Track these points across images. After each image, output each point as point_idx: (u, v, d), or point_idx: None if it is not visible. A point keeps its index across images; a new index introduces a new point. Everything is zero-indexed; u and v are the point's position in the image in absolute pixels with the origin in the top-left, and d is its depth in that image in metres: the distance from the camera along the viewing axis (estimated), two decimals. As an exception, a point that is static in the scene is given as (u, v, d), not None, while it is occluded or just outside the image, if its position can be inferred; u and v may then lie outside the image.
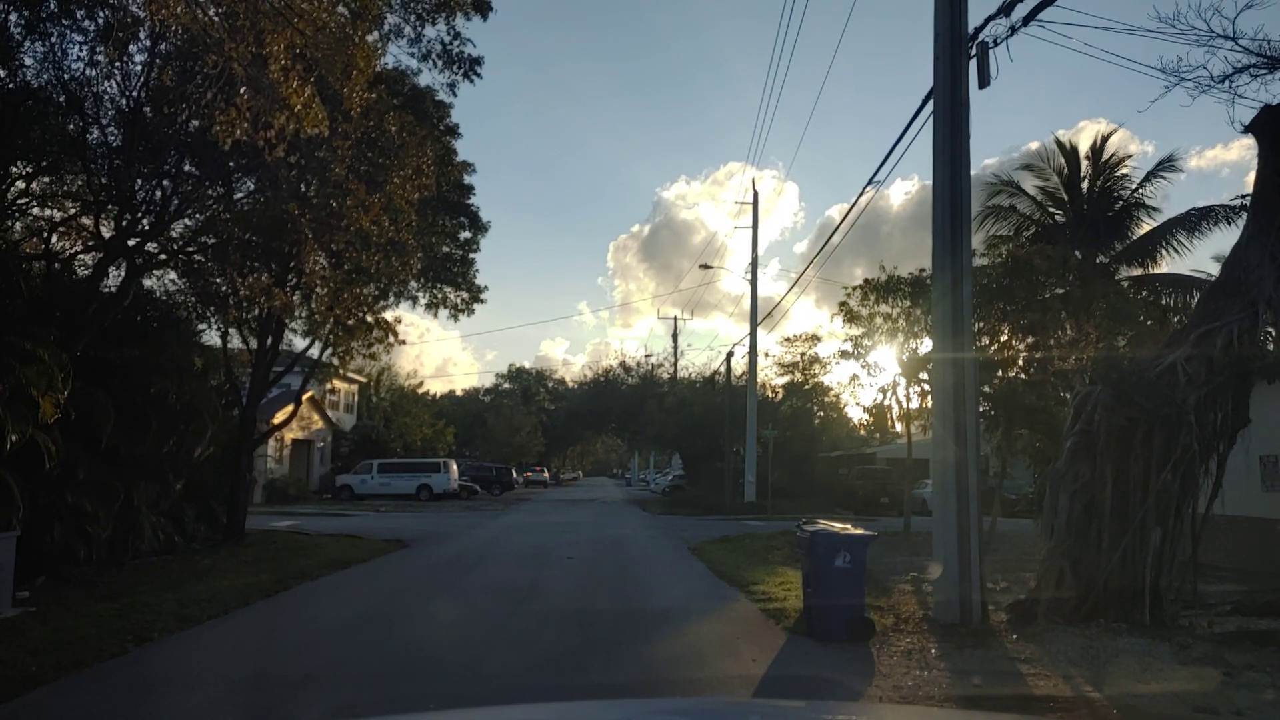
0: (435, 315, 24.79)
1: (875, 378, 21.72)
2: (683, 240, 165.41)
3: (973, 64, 9.75)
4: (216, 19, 7.75)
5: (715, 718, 3.24)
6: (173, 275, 17.01)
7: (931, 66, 9.99)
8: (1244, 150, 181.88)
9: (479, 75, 17.03)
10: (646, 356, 63.56)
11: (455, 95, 19.57)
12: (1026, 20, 9.43)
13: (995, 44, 9.61)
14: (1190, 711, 6.19)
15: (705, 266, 58.66)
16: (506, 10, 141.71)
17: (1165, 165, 23.59)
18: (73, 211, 14.61)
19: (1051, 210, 24.27)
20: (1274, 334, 11.06)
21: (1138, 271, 23.23)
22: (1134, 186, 23.74)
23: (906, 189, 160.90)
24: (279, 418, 22.65)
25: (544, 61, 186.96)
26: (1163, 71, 9.47)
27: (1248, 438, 10.08)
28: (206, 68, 8.76)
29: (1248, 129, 9.45)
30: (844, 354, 22.71)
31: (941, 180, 9.75)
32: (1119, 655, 7.71)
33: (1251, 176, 10.08)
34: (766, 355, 40.47)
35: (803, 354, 38.81)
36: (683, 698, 6.44)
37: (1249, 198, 9.75)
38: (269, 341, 18.24)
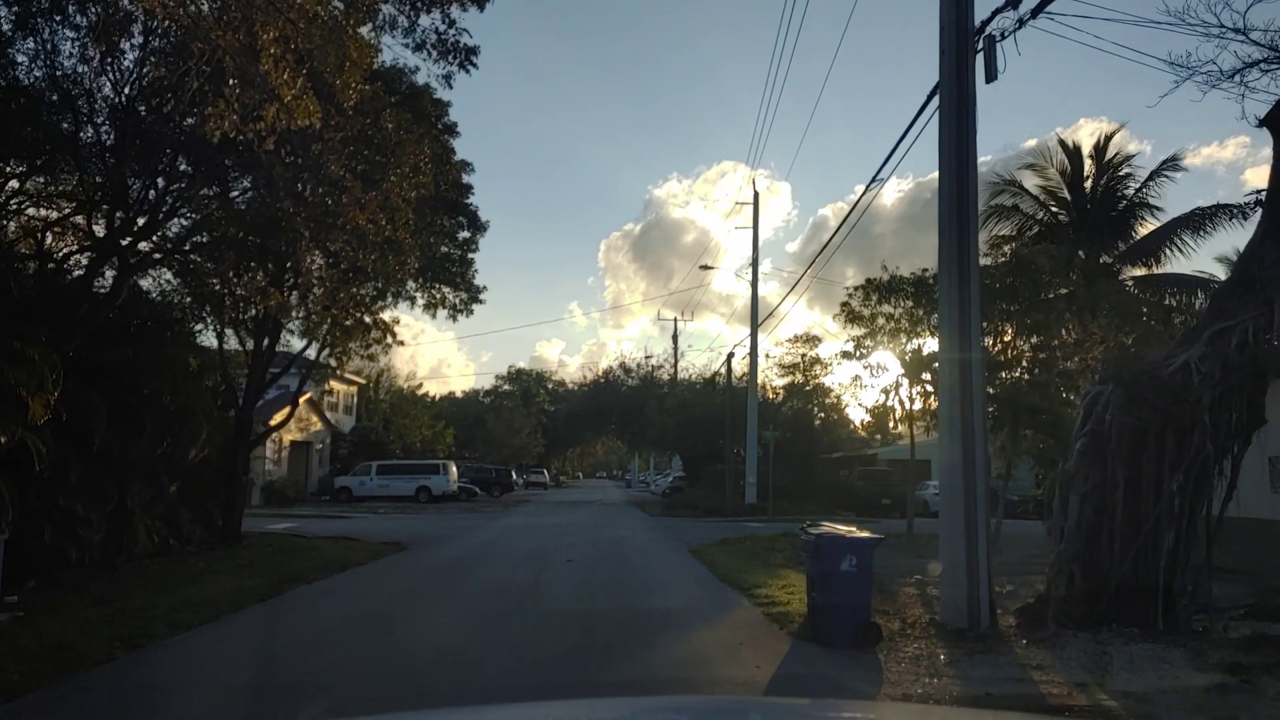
0: (434, 316, 24.60)
1: (877, 378, 21.57)
2: (674, 239, 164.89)
3: (979, 58, 9.59)
4: (206, 9, 7.57)
5: (715, 716, 3.15)
6: (168, 275, 16.81)
7: (937, 61, 9.81)
8: (1240, 148, 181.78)
9: (474, 65, 16.73)
10: (646, 358, 63.54)
11: (451, 87, 19.38)
12: (1035, 13, 9.26)
13: (1003, 37, 9.44)
14: (1210, 721, 6.00)
15: (705, 267, 58.71)
16: (503, 13, 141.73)
17: (1169, 164, 23.52)
18: (66, 211, 14.42)
19: (1055, 210, 24.15)
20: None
21: (1142, 271, 23.11)
22: (1137, 186, 23.64)
23: (900, 187, 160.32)
24: (276, 419, 22.46)
25: (538, 67, 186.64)
26: (1172, 66, 9.31)
27: (1260, 439, 9.89)
28: (197, 60, 8.58)
29: (1262, 123, 9.26)
30: (845, 355, 22.56)
31: (948, 176, 9.58)
32: (1133, 661, 7.52)
33: (1266, 171, 9.90)
34: (767, 357, 40.28)
35: (803, 355, 38.68)
36: (683, 696, 6.25)
37: (1263, 193, 9.57)
38: (265, 342, 18.05)
